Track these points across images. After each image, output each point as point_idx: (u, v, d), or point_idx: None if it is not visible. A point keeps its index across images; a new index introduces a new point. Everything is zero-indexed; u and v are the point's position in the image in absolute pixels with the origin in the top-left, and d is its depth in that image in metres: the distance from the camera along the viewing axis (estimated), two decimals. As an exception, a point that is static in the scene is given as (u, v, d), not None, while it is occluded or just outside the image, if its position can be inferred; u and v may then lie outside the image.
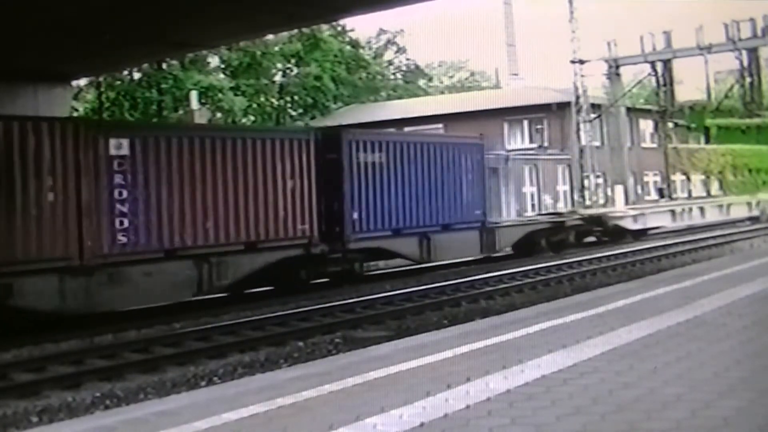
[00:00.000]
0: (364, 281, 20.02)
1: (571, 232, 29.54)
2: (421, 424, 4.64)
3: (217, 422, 4.95)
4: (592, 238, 31.19)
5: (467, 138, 26.40)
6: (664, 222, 34.85)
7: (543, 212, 32.15)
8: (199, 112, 31.97)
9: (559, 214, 30.67)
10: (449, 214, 22.77)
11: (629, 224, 32.16)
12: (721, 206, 40.02)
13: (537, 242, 27.23)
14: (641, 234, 32.72)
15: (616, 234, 31.26)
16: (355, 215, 19.96)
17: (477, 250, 23.84)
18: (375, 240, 20.59)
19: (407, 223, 21.44)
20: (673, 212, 35.96)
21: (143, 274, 15.67)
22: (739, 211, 40.83)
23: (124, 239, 15.53)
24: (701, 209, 37.90)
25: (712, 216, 38.20)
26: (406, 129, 42.72)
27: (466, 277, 20.67)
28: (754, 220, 40.73)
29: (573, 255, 26.50)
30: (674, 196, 43.50)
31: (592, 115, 37.63)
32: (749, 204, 42.37)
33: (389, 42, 60.48)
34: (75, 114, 38.57)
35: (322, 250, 19.15)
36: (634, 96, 48.08)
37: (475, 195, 23.92)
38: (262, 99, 49.64)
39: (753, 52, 35.38)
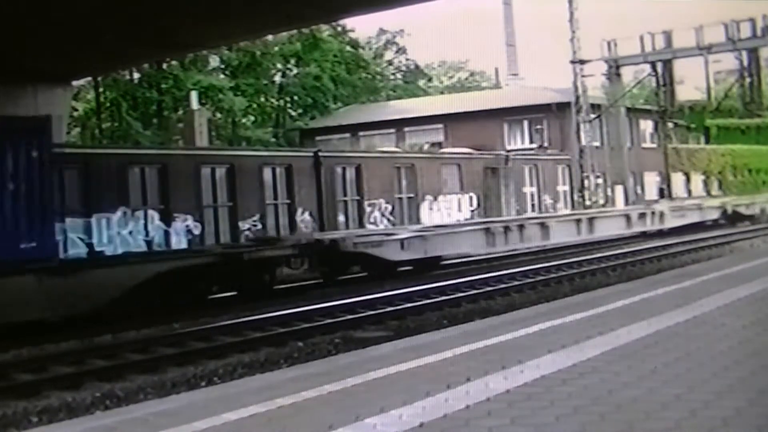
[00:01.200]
0: None
1: (267, 269, 19.18)
2: (421, 425, 4.64)
3: (216, 422, 4.96)
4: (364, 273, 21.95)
5: None
6: (471, 247, 24.66)
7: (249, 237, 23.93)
8: (199, 112, 31.97)
9: (255, 242, 21.43)
10: None
11: (392, 253, 21.41)
12: (579, 221, 29.13)
13: (192, 289, 17.37)
14: (432, 266, 22.81)
15: (377, 268, 21.22)
16: None
17: (34, 308, 14.08)
18: None
19: None
20: (488, 231, 24.57)
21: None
22: (608, 228, 30.68)
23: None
24: (543, 226, 26.96)
25: (564, 234, 28.05)
26: (406, 129, 42.91)
27: (466, 277, 20.68)
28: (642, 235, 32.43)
29: (573, 255, 26.51)
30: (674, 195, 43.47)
31: (592, 116, 37.68)
32: (627, 218, 31.76)
33: (389, 42, 60.56)
34: (75, 114, 38.67)
35: None
36: (633, 96, 48.16)
37: (26, 214, 14.87)
38: (262, 99, 49.70)
39: (753, 52, 35.45)
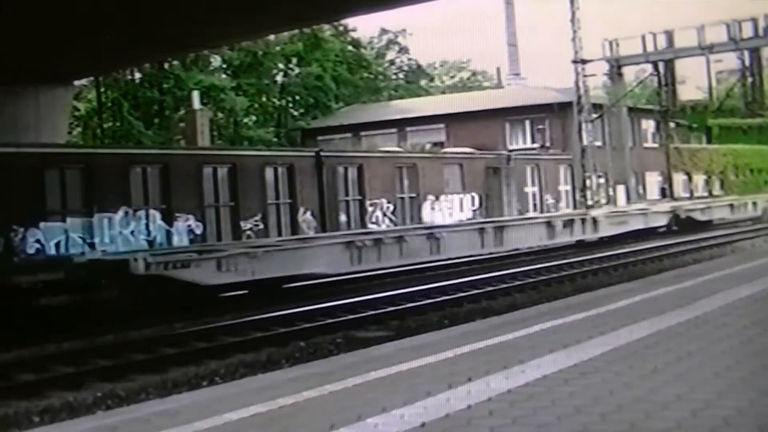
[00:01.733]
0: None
1: (15, 301, 15.15)
2: (423, 424, 4.64)
3: (218, 422, 4.96)
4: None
5: None
6: (325, 266, 20.62)
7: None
8: (200, 112, 31.94)
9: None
10: None
11: (205, 276, 17.58)
12: (482, 230, 25.25)
13: None
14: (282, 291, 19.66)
15: (189, 294, 17.46)
16: None
17: None
18: None
19: None
20: (351, 245, 21.31)
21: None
22: (522, 238, 26.95)
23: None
24: (431, 237, 23.40)
25: (462, 247, 24.52)
26: (408, 129, 42.88)
27: (467, 277, 20.68)
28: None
29: (574, 255, 26.46)
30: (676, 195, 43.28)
31: (594, 115, 37.62)
32: (549, 226, 28.19)
33: (391, 42, 60.57)
34: (76, 114, 38.71)
35: None
36: (635, 96, 48.09)
37: None
38: (264, 99, 49.69)
39: (755, 51, 35.39)
